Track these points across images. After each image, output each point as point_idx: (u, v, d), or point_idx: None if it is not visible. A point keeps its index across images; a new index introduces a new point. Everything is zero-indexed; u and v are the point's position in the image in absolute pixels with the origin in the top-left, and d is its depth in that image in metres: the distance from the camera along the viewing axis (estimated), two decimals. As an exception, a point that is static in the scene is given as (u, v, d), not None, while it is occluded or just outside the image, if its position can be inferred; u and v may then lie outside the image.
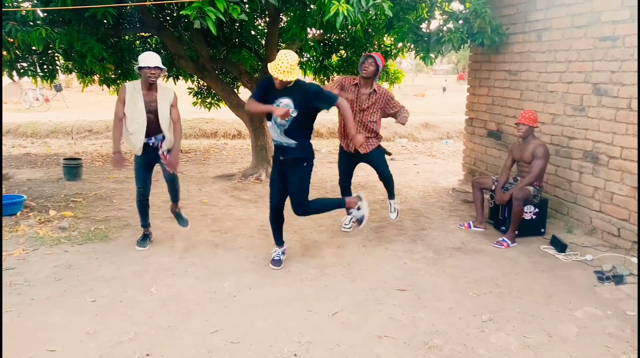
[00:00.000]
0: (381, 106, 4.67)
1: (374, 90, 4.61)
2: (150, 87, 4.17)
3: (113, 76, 8.03)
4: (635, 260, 4.23)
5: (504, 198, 4.80)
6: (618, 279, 3.89)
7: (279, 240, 4.20)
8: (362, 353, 2.90)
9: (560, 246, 4.53)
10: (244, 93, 8.39)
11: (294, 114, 3.76)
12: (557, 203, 5.37)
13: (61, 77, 11.38)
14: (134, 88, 4.15)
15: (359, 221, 4.27)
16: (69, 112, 15.59)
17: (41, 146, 11.10)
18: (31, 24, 5.20)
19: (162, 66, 4.13)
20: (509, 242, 4.68)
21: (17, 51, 6.10)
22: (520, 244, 4.71)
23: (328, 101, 3.82)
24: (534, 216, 4.92)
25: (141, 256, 4.31)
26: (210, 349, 2.92)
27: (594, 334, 3.16)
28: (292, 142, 3.85)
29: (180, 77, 8.51)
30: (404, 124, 4.70)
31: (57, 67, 7.20)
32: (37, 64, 6.76)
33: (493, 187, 5.11)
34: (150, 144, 4.27)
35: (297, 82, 3.78)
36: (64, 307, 3.39)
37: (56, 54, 7.00)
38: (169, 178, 4.48)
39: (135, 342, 2.98)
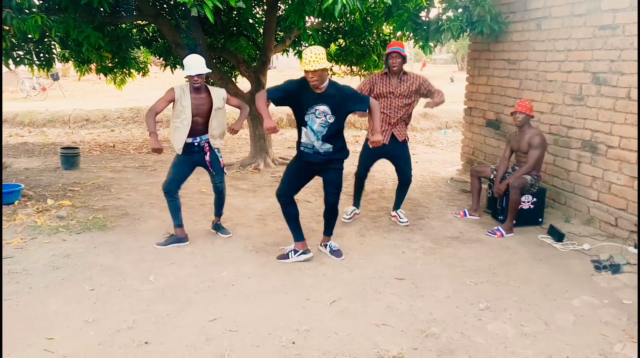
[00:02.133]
0: (415, 88, 4.78)
1: (405, 73, 4.76)
2: (198, 90, 4.16)
3: (110, 65, 7.97)
4: (632, 249, 4.25)
5: (501, 188, 4.80)
6: (615, 268, 3.90)
7: (301, 235, 4.10)
8: (360, 342, 2.92)
9: (558, 236, 4.54)
10: (242, 82, 8.36)
11: (331, 121, 3.77)
12: (555, 192, 5.38)
13: (58, 66, 11.30)
14: (182, 91, 4.15)
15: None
16: (66, 101, 15.51)
17: (38, 135, 11.05)
18: (27, 11, 5.14)
19: (205, 71, 4.08)
20: (504, 232, 4.68)
21: (12, 39, 6.04)
22: (517, 233, 4.72)
23: (362, 102, 3.85)
24: (531, 206, 4.93)
25: (139, 245, 4.31)
26: (208, 337, 2.93)
27: (590, 323, 3.18)
28: (328, 147, 3.85)
29: (177, 66, 8.44)
30: (432, 107, 4.76)
31: (54, 55, 7.14)
32: (33, 52, 6.70)
33: (492, 176, 5.11)
34: (195, 144, 4.24)
35: (333, 85, 3.77)
36: (63, 296, 3.39)
37: (52, 43, 6.94)
38: (217, 188, 4.47)
39: (134, 330, 2.99)
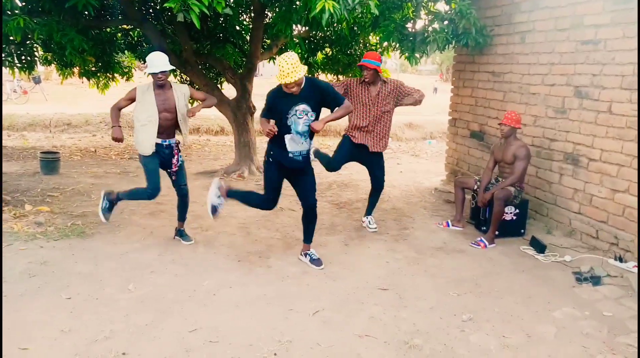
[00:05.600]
0: (394, 96, 4.81)
1: (384, 81, 4.78)
2: (162, 87, 4.16)
3: (93, 69, 7.88)
4: (612, 261, 4.29)
5: (486, 198, 4.82)
6: (596, 280, 3.94)
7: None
8: (342, 353, 2.89)
9: (540, 247, 4.57)
10: (228, 89, 8.32)
11: (313, 118, 3.81)
12: (537, 204, 5.43)
13: (40, 68, 11.13)
14: (145, 89, 4.15)
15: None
16: (48, 105, 15.28)
17: (18, 139, 10.86)
18: (9, 12, 5.06)
19: (168, 67, 4.11)
20: (487, 243, 4.71)
21: (-7, 41, 5.93)
22: (500, 244, 4.75)
23: (338, 101, 3.87)
24: (514, 217, 4.96)
25: (119, 253, 4.23)
26: (188, 348, 2.87)
27: (571, 334, 3.20)
28: (310, 143, 3.92)
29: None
30: (411, 102, 4.78)
31: (36, 58, 7.04)
32: (14, 54, 6.60)
33: (475, 187, 5.14)
34: (165, 146, 4.24)
35: (308, 82, 3.77)
36: (39, 304, 3.30)
37: (35, 45, 6.84)
38: (182, 190, 4.46)
39: (112, 340, 2.92)
